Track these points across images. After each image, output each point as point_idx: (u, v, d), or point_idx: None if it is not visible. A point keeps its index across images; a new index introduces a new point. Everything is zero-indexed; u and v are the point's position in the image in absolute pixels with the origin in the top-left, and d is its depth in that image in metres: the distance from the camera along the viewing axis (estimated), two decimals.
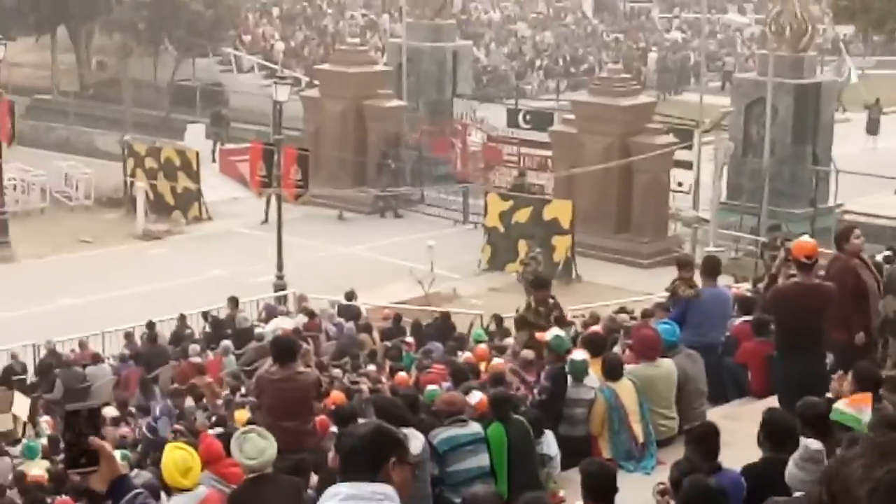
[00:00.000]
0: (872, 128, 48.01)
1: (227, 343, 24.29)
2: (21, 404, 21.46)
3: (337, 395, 15.77)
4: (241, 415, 16.48)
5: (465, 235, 37.32)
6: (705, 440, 9.49)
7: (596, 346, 14.58)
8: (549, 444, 12.54)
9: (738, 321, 16.29)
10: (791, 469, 8.42)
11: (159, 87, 54.33)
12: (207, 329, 26.92)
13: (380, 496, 4.63)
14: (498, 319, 25.70)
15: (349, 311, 26.59)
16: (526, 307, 17.24)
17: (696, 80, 55.18)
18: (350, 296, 27.39)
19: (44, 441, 19.38)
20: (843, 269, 13.27)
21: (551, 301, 16.96)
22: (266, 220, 37.06)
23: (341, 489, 4.61)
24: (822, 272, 13.40)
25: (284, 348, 13.00)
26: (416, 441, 11.35)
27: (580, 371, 13.29)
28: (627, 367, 13.42)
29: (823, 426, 9.27)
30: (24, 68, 55.10)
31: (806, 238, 14.26)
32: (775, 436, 9.32)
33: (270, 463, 10.19)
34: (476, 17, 66.85)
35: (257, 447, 10.17)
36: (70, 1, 53.77)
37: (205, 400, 20.10)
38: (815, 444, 8.43)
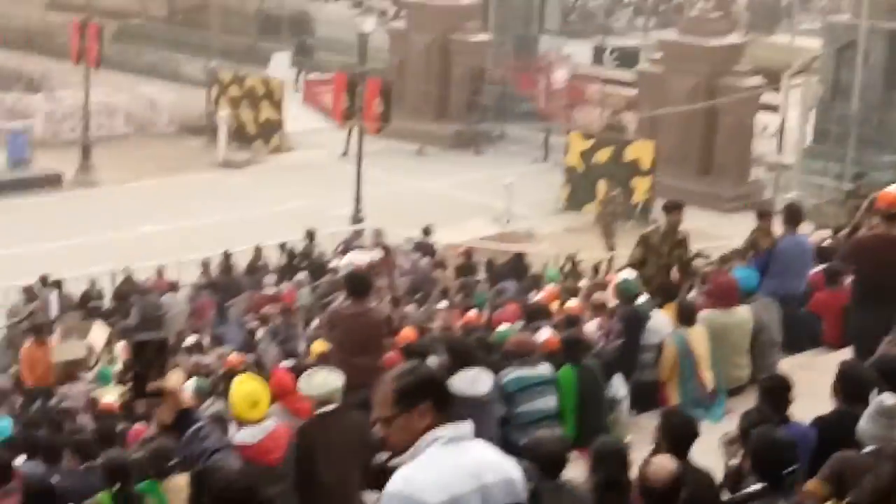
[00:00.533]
0: None
1: (302, 276, 24.34)
2: (98, 333, 21.74)
3: (408, 332, 15.69)
4: (317, 346, 16.46)
5: (545, 174, 37.11)
6: (776, 392, 9.42)
7: (668, 291, 14.54)
8: (618, 386, 12.51)
9: (814, 270, 16.07)
10: (863, 423, 8.32)
11: (247, 14, 54.11)
12: (283, 261, 27.05)
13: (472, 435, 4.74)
14: (573, 260, 25.65)
15: (424, 247, 26.65)
16: (654, 229, 16.78)
17: (790, 21, 54.68)
18: (427, 231, 27.38)
19: (118, 367, 19.66)
20: None
21: (681, 235, 16.44)
22: (346, 153, 37.03)
23: (443, 432, 4.71)
24: None
25: (358, 283, 12.93)
26: (486, 380, 11.40)
27: (645, 315, 13.30)
28: (702, 314, 13.33)
29: None
30: None
31: (892, 188, 13.94)
32: (850, 389, 9.24)
33: (336, 396, 10.26)
34: None
35: (321, 380, 10.26)
36: None
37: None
38: (891, 398, 8.31)
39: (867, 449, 8.11)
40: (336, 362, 12.04)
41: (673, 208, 16.69)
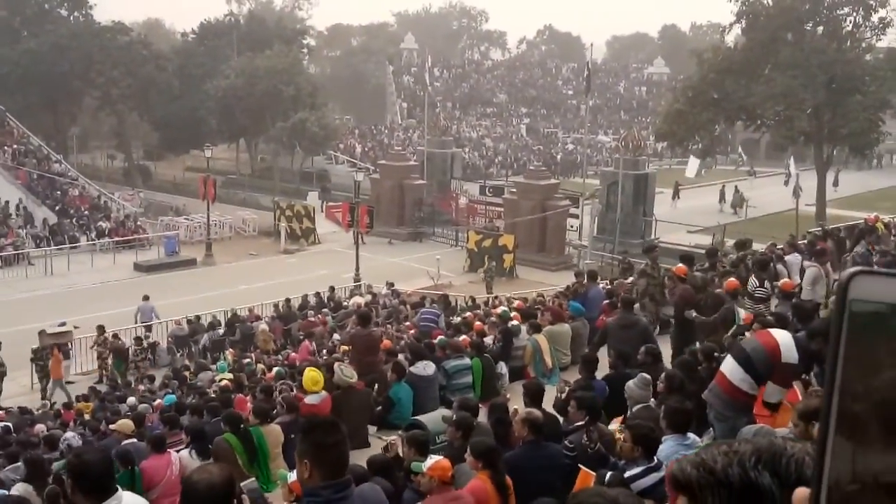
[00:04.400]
0: (675, 195, 47.93)
1: (327, 310, 24.14)
2: None
3: (387, 342, 15.60)
4: (343, 347, 16.30)
5: (457, 253, 37.11)
6: (588, 365, 9.58)
7: (525, 314, 14.66)
8: (503, 368, 12.58)
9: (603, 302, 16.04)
10: (631, 385, 8.44)
11: (293, 171, 54.41)
12: (317, 302, 26.72)
13: None
14: (473, 299, 25.58)
15: (394, 293, 26.46)
16: (645, 264, 15.05)
17: (582, 169, 55.60)
18: (391, 284, 27.12)
19: (229, 361, 19.42)
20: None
21: (657, 262, 14.91)
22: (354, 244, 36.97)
23: None
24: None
25: (364, 316, 12.87)
26: (430, 366, 11.40)
27: (516, 330, 13.39)
28: (545, 327, 13.44)
29: (654, 367, 9.30)
30: (221, 160, 55.48)
31: (680, 265, 13.21)
32: (622, 360, 9.46)
33: (351, 381, 10.27)
34: (464, 135, 66.68)
35: (348, 373, 10.24)
36: (247, 124, 54.15)
37: (317, 340, 20.11)
38: (646, 376, 8.47)
39: (637, 407, 8.12)
40: (354, 361, 12.05)
41: (650, 249, 15.56)
